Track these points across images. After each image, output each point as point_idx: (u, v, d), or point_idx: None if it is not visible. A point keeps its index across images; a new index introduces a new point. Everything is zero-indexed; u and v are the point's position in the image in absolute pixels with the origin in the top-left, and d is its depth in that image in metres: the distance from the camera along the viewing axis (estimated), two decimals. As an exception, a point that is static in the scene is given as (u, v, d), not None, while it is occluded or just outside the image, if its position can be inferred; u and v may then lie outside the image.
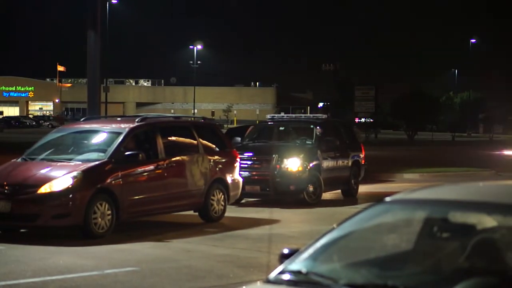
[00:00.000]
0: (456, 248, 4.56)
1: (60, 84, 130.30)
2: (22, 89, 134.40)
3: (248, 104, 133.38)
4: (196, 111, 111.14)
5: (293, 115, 25.97)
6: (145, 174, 13.65)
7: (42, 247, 11.75)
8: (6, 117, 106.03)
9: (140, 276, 9.79)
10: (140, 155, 13.48)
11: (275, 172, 17.64)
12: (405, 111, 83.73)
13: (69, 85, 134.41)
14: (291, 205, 17.72)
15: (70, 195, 12.39)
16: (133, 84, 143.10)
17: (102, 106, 33.83)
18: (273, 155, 17.73)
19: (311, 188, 18.07)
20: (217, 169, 15.21)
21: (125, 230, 13.29)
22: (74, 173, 12.58)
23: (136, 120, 14.28)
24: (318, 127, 19.22)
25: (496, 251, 4.44)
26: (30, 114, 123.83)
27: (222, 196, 15.17)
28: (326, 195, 19.29)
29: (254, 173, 17.75)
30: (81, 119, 15.97)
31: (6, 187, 12.54)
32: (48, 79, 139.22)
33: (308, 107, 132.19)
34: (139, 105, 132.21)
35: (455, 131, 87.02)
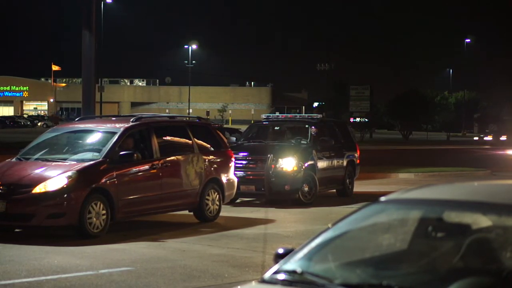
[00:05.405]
0: (451, 248, 4.56)
1: (55, 83, 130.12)
2: (17, 88, 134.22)
3: (243, 104, 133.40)
4: (191, 110, 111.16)
5: (288, 114, 25.96)
6: (140, 174, 13.63)
7: (37, 247, 11.72)
8: (0, 117, 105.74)
9: (135, 276, 9.78)
10: (135, 155, 13.46)
11: (270, 172, 17.63)
12: (401, 110, 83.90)
13: (64, 84, 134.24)
14: (286, 205, 17.71)
15: (65, 195, 12.37)
16: (128, 84, 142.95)
17: (97, 106, 33.77)
18: (268, 155, 17.71)
19: (306, 188, 18.07)
20: (212, 168, 15.19)
21: (120, 230, 13.27)
22: (69, 173, 12.56)
23: (131, 120, 14.25)
24: (313, 127, 19.22)
25: (491, 251, 4.44)
26: (25, 114, 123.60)
27: (217, 195, 15.16)
28: (321, 195, 19.29)
29: (249, 172, 17.74)
30: (76, 119, 15.94)
31: (1, 187, 12.50)
32: (43, 79, 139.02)
33: (303, 107, 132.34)
34: (134, 104, 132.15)
35: (450, 131, 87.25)
